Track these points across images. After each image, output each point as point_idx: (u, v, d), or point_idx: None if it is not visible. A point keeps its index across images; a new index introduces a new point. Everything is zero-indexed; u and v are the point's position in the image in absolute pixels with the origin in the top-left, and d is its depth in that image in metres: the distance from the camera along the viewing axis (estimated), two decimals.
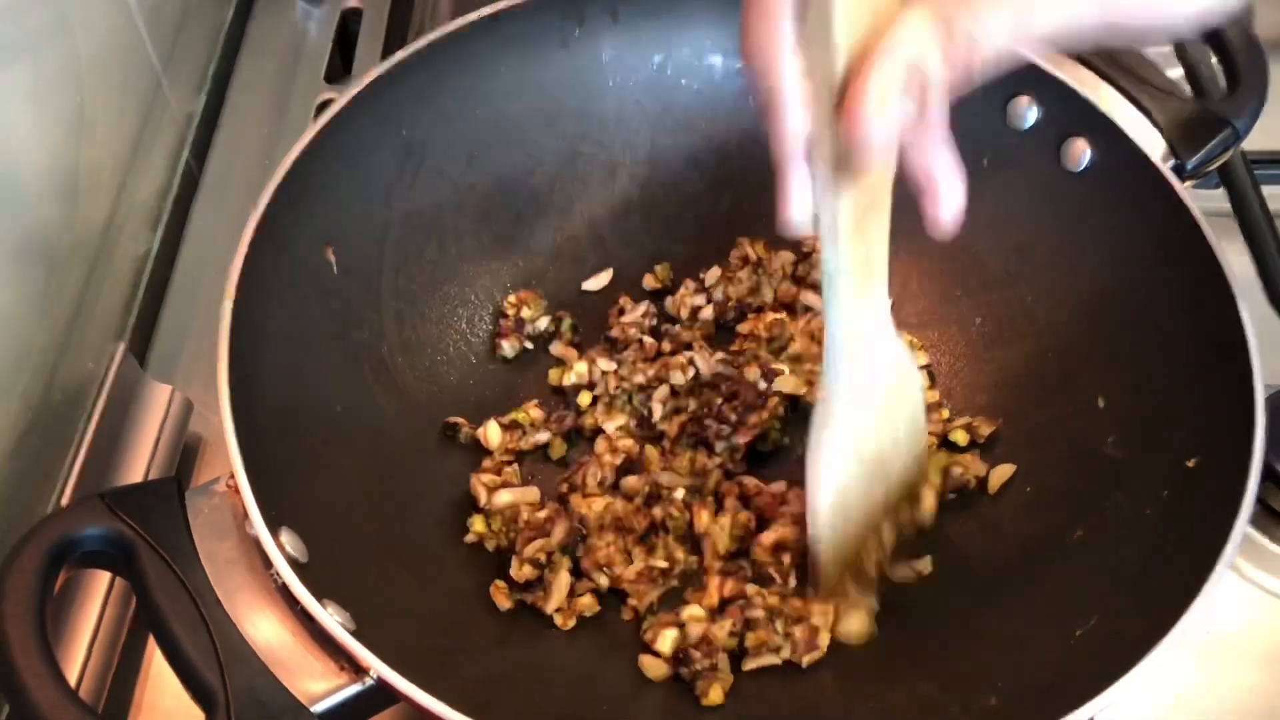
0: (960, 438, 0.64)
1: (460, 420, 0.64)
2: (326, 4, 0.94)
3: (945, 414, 0.65)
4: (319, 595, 0.46)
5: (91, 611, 0.57)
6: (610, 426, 0.64)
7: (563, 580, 0.58)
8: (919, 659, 0.56)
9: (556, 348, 0.69)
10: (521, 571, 0.58)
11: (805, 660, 0.56)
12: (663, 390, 0.65)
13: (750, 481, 0.63)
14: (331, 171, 0.61)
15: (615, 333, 0.68)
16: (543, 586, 0.58)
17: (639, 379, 0.65)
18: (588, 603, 0.58)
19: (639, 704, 0.56)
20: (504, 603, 0.58)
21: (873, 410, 0.55)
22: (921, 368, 0.66)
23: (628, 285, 0.72)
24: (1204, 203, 0.58)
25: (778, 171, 0.46)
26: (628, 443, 0.64)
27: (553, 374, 0.68)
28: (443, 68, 0.65)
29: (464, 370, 0.67)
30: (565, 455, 0.65)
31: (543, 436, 0.65)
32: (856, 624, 0.58)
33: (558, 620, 0.58)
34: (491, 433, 0.64)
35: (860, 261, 0.49)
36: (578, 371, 0.66)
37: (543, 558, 0.58)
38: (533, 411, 0.65)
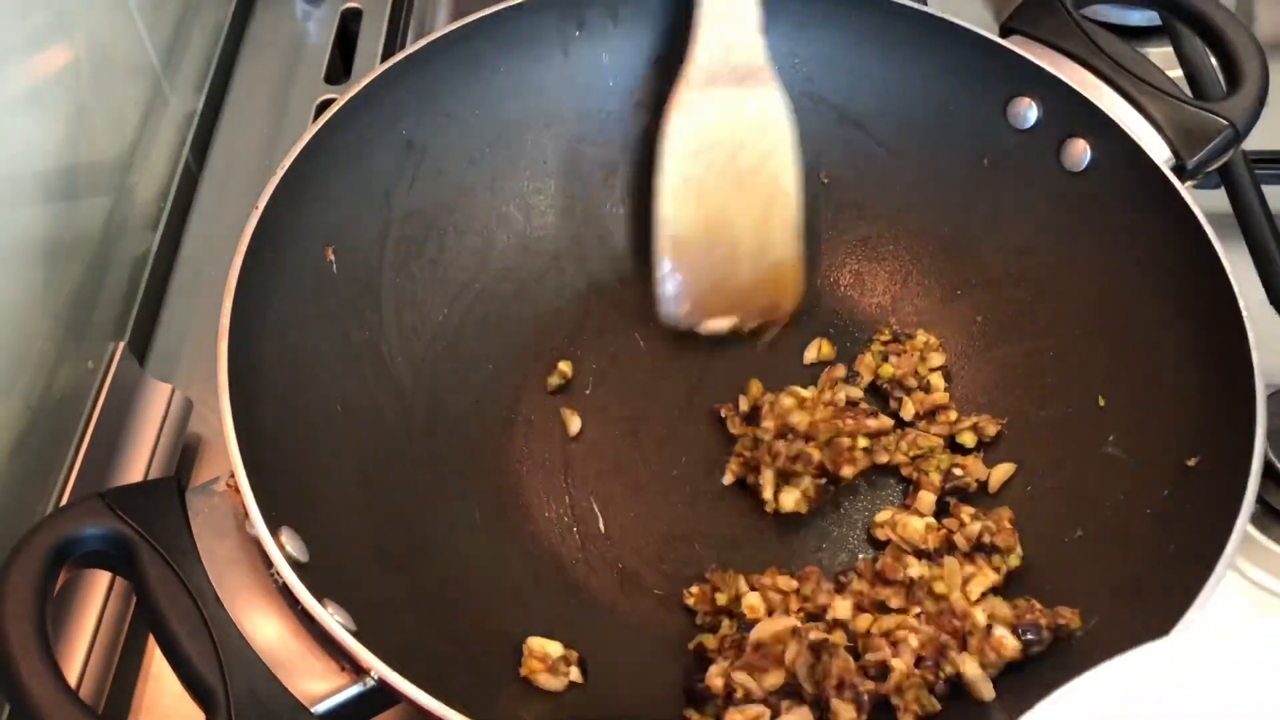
0: (968, 439, 0.64)
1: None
2: (326, 4, 0.94)
3: (953, 415, 0.65)
4: (319, 595, 0.46)
5: (91, 611, 0.57)
6: None
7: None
8: None
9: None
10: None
11: None
12: None
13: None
14: (331, 171, 0.61)
15: None
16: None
17: None
18: None
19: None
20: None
21: (729, 119, 0.55)
22: (937, 368, 0.67)
23: (628, 287, 0.72)
24: (1204, 203, 0.58)
25: None
26: None
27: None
28: (443, 68, 0.65)
29: (464, 369, 0.67)
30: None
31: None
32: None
33: None
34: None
35: None
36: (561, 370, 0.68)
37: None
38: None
